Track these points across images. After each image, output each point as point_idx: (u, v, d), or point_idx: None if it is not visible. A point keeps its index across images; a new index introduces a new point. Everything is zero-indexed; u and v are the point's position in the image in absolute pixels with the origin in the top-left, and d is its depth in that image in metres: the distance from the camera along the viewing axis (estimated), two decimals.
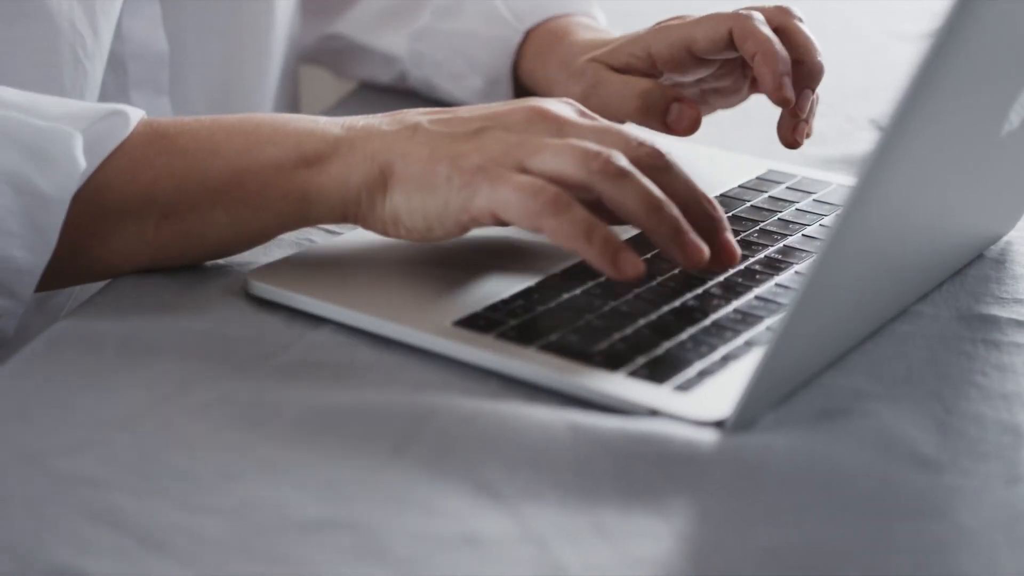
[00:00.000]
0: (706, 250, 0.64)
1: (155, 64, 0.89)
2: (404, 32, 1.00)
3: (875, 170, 0.53)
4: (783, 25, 0.81)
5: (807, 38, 0.81)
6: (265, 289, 0.67)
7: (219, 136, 0.68)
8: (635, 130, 0.67)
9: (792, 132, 0.80)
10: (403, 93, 1.03)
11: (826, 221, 0.78)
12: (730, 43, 0.80)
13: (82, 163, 0.65)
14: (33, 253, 0.65)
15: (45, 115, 0.66)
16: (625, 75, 0.83)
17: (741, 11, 0.80)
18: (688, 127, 0.81)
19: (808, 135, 0.81)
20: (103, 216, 0.67)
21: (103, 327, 0.64)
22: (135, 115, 0.68)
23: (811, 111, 0.81)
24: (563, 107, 0.68)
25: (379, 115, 0.69)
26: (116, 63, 0.87)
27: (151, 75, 0.89)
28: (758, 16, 0.80)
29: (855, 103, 1.05)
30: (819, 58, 0.80)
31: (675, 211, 0.64)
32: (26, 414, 0.57)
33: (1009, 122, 0.64)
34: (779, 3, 0.82)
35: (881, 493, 0.54)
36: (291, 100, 1.06)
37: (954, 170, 0.63)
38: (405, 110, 0.69)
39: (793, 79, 0.79)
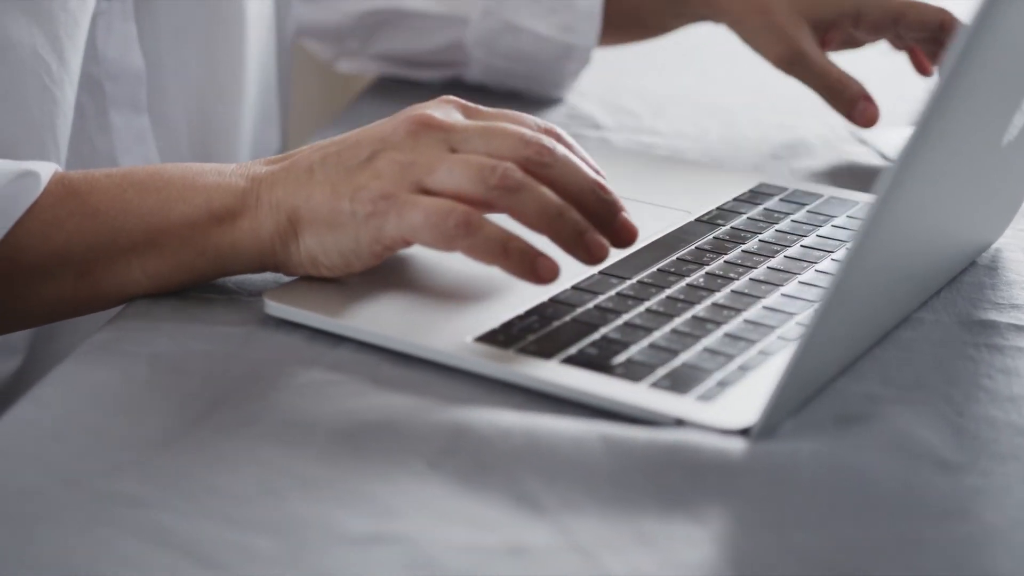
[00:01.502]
0: (607, 245, 0.66)
1: (132, 83, 0.89)
2: None
3: (895, 185, 0.55)
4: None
5: None
6: (282, 309, 0.68)
7: (130, 194, 0.68)
8: (522, 119, 0.68)
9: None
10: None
11: (823, 231, 0.80)
12: (936, 29, 0.97)
13: None
14: None
15: None
16: (825, 60, 0.98)
17: (940, 7, 0.98)
18: (868, 122, 0.98)
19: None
20: (19, 276, 0.68)
21: (129, 350, 0.64)
22: (46, 173, 0.68)
23: None
24: (446, 110, 0.69)
25: (276, 159, 0.70)
26: (93, 85, 0.87)
27: (129, 94, 0.89)
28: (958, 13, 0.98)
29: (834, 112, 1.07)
30: None
31: (573, 214, 0.65)
32: (62, 436, 0.58)
33: (1009, 132, 0.66)
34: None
35: (907, 495, 0.56)
36: (271, 108, 1.07)
37: (960, 180, 0.65)
38: (298, 151, 0.70)
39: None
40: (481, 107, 0.70)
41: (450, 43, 1.08)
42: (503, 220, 0.65)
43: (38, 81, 0.79)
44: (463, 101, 0.70)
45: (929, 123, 0.53)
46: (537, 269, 0.65)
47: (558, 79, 1.09)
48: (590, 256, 0.66)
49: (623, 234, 0.67)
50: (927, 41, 1.00)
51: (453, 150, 0.66)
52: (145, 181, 0.69)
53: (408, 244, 0.66)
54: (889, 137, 1.02)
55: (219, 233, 0.68)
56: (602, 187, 0.67)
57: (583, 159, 0.68)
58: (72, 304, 0.69)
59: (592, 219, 0.66)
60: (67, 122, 0.82)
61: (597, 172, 0.68)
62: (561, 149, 0.67)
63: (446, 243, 0.64)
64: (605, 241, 0.66)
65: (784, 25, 0.99)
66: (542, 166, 0.66)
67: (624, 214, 0.67)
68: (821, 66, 0.99)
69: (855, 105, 0.98)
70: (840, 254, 0.77)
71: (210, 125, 0.96)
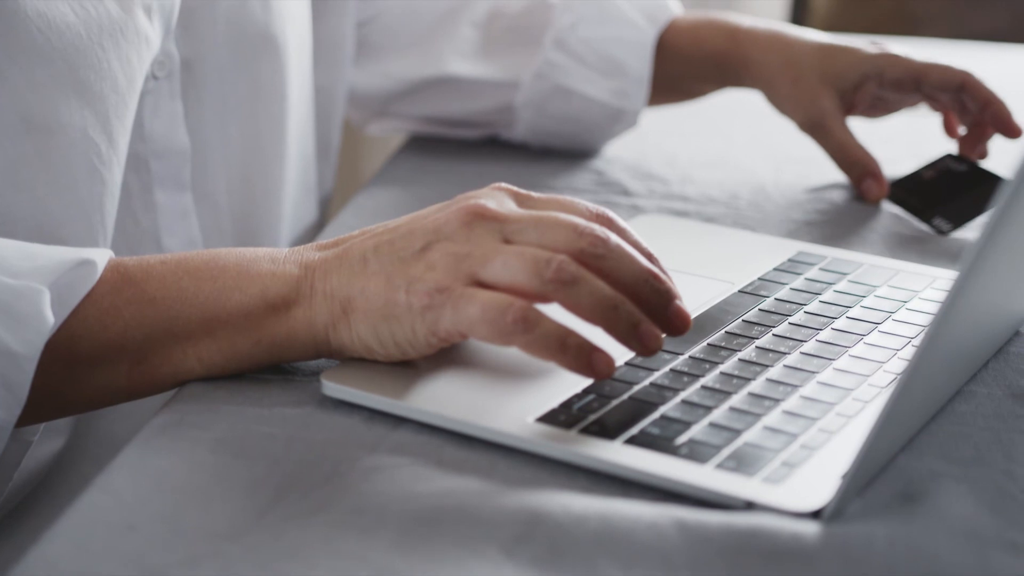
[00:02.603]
0: (661, 336, 0.66)
1: (178, 161, 0.89)
2: (532, 49, 1.09)
3: (973, 269, 0.55)
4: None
5: (1001, 99, 1.03)
6: (340, 390, 0.68)
7: (186, 282, 0.68)
8: (575, 207, 0.69)
9: (975, 150, 1.05)
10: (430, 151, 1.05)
11: (867, 303, 0.80)
12: (958, 89, 1.02)
13: (50, 319, 0.66)
14: (3, 410, 0.66)
15: (13, 271, 0.66)
16: (846, 132, 1.04)
17: (965, 69, 1.03)
18: (871, 199, 1.04)
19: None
20: (75, 365, 0.68)
21: (191, 436, 0.64)
22: (102, 261, 0.68)
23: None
24: (499, 199, 0.69)
25: (329, 244, 0.71)
26: (139, 163, 0.87)
27: (174, 172, 0.89)
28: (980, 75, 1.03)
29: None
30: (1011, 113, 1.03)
31: (628, 307, 0.65)
32: (136, 527, 0.57)
33: None
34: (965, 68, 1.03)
35: None
36: (310, 179, 1.07)
37: (1017, 257, 0.65)
38: (350, 235, 0.71)
39: (976, 122, 1.04)
40: (533, 194, 0.70)
41: (499, 106, 1.11)
42: (554, 309, 0.66)
43: (87, 162, 0.79)
44: (515, 188, 0.70)
45: (1011, 205, 0.54)
46: (594, 364, 0.65)
47: (601, 140, 1.13)
48: (644, 348, 0.66)
49: (676, 323, 0.67)
50: (952, 102, 1.03)
51: (507, 241, 0.67)
52: (200, 269, 0.69)
53: (464, 337, 0.66)
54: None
55: (274, 322, 0.68)
56: (656, 276, 0.67)
57: (636, 245, 0.68)
58: (126, 391, 0.69)
59: (645, 308, 0.66)
60: (114, 202, 0.82)
61: (651, 258, 0.69)
62: (614, 239, 0.67)
63: (503, 339, 0.65)
64: (659, 332, 0.66)
65: (811, 91, 1.03)
66: (596, 257, 0.66)
67: (677, 302, 0.67)
68: (840, 136, 1.04)
69: (863, 180, 1.04)
70: (888, 326, 0.77)
71: (252, 200, 0.97)
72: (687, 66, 1.10)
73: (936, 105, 1.05)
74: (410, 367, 0.70)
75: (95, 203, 0.80)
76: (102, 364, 0.68)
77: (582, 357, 0.65)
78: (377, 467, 0.62)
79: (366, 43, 1.12)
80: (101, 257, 0.68)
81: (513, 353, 0.71)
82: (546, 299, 0.65)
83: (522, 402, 0.67)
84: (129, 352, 0.68)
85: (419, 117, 1.14)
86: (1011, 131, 1.02)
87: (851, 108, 1.05)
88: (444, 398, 0.67)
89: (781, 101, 1.06)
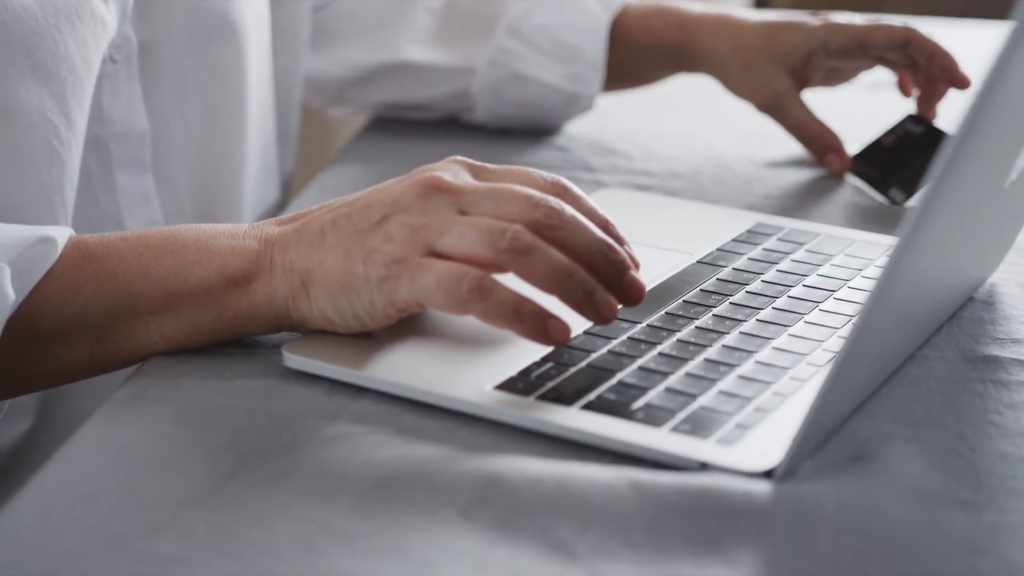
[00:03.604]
0: (615, 304, 0.67)
1: (137, 144, 0.90)
2: (478, 40, 1.09)
3: (916, 230, 0.56)
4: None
5: (948, 52, 1.03)
6: (301, 362, 0.69)
7: (146, 258, 0.69)
8: (530, 177, 0.69)
9: (930, 108, 1.06)
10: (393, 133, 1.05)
11: (823, 271, 0.81)
12: (903, 46, 1.02)
13: (11, 295, 0.66)
14: None
15: None
16: (804, 110, 1.05)
17: (911, 26, 1.03)
18: (835, 172, 1.04)
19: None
20: (37, 341, 0.68)
21: (154, 408, 0.65)
22: (62, 238, 0.69)
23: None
24: (455, 171, 0.70)
25: (287, 219, 0.71)
26: (99, 145, 0.87)
27: (134, 155, 0.90)
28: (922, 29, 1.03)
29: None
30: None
31: (582, 275, 0.66)
32: (97, 497, 0.58)
33: (1012, 174, 0.68)
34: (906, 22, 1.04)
35: (931, 535, 0.57)
36: (271, 161, 1.08)
37: (968, 221, 0.66)
38: (309, 210, 0.71)
39: (928, 79, 1.05)
40: (488, 166, 0.71)
41: (456, 92, 1.12)
42: (510, 279, 0.66)
43: (46, 144, 0.79)
44: (471, 161, 0.71)
45: (949, 170, 0.55)
46: (549, 331, 0.66)
47: (558, 123, 1.14)
48: (599, 316, 0.67)
49: (631, 293, 0.68)
50: (902, 60, 1.05)
51: (463, 212, 0.67)
52: (160, 244, 0.70)
53: (422, 307, 0.67)
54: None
55: (235, 297, 0.69)
56: (610, 247, 0.68)
57: (591, 214, 0.69)
58: (89, 367, 0.69)
59: (601, 278, 0.67)
60: (74, 184, 0.82)
61: (606, 227, 0.69)
62: (569, 210, 0.67)
63: (459, 307, 0.65)
64: (614, 300, 0.67)
65: (764, 73, 1.05)
66: (551, 228, 0.67)
67: (632, 273, 0.68)
68: (797, 115, 1.06)
69: (824, 156, 1.05)
70: (844, 293, 0.78)
71: (213, 182, 0.97)
72: (639, 54, 1.11)
73: (890, 66, 1.07)
74: (370, 338, 0.70)
75: (55, 185, 0.80)
76: (64, 340, 0.68)
77: (537, 324, 0.65)
78: (337, 436, 0.63)
79: (321, 29, 1.12)
80: (61, 235, 0.69)
81: (472, 323, 0.71)
82: (501, 268, 0.66)
83: (481, 371, 0.68)
84: (91, 328, 0.68)
85: (377, 103, 1.15)
86: (959, 82, 1.03)
87: (805, 82, 1.07)
88: (404, 368, 0.68)
89: (736, 86, 1.08)
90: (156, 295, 0.69)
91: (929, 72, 1.04)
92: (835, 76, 1.09)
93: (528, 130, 1.13)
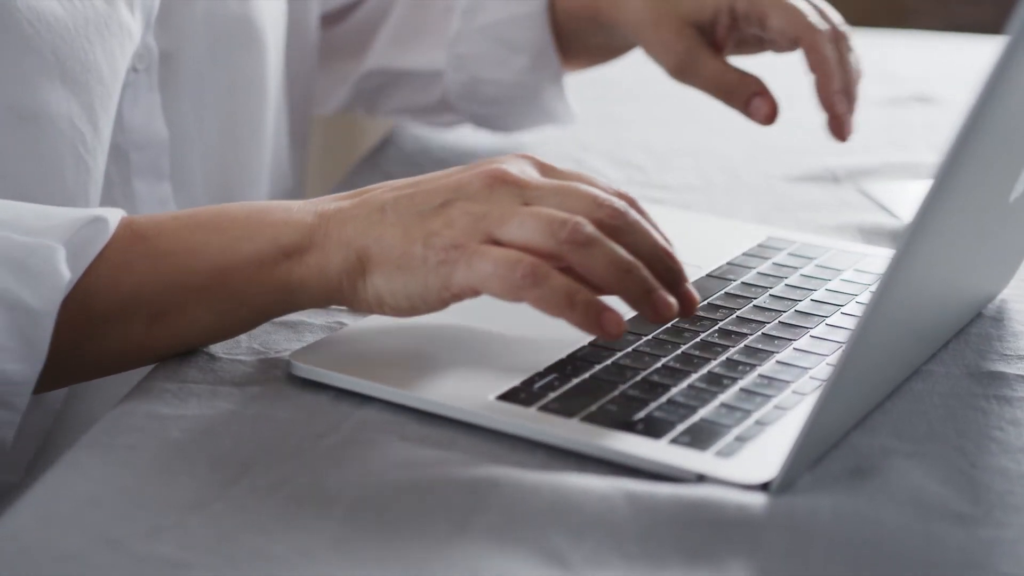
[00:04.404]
0: (675, 304, 0.67)
1: (156, 151, 0.91)
2: (440, 43, 1.06)
3: (911, 242, 0.56)
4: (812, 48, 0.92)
5: (831, 68, 0.91)
6: (308, 370, 0.70)
7: (198, 235, 0.70)
8: (597, 182, 0.70)
9: (839, 130, 0.93)
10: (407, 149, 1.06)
11: (832, 285, 0.81)
12: (794, 43, 0.92)
13: (66, 275, 0.67)
14: (25, 365, 0.67)
15: (28, 229, 0.67)
16: (715, 60, 0.95)
17: (816, 22, 0.92)
18: (764, 118, 0.95)
19: (850, 132, 0.93)
20: (91, 321, 0.69)
21: (160, 413, 0.66)
22: (114, 219, 0.69)
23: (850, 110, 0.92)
24: (522, 166, 0.70)
25: (346, 195, 0.71)
26: (118, 153, 0.89)
27: (152, 162, 0.91)
28: (828, 33, 0.92)
29: (834, 159, 1.09)
30: (837, 87, 0.91)
31: (643, 272, 0.66)
32: (100, 500, 0.59)
33: (1016, 189, 0.68)
34: (843, 26, 0.93)
35: (925, 549, 0.57)
36: (288, 175, 1.09)
37: (970, 235, 0.66)
38: (370, 187, 0.71)
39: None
40: (555, 166, 0.71)
41: (437, 99, 1.10)
42: None
43: (73, 151, 0.80)
44: (538, 158, 0.71)
45: (945, 182, 0.55)
46: (603, 322, 0.65)
47: (549, 110, 1.09)
48: (656, 314, 0.67)
49: (684, 303, 0.68)
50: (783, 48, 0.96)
51: (527, 205, 0.67)
52: (211, 221, 0.70)
53: (476, 293, 0.67)
54: (890, 189, 1.04)
55: (287, 269, 0.69)
56: (670, 255, 0.68)
57: (654, 226, 0.69)
58: (144, 348, 0.70)
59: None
60: (98, 190, 0.84)
61: (666, 240, 0.69)
62: (633, 214, 0.68)
63: (513, 293, 0.65)
64: (673, 300, 0.67)
65: (674, 31, 0.97)
66: (613, 228, 0.67)
67: (687, 284, 0.68)
68: (711, 68, 0.96)
69: (750, 102, 0.95)
70: (851, 309, 0.78)
71: (230, 189, 0.98)
72: (582, 29, 1.04)
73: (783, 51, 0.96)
74: (377, 348, 0.71)
75: (80, 191, 0.82)
76: (118, 320, 0.69)
77: (591, 314, 0.65)
78: (339, 443, 0.64)
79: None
80: (113, 215, 0.69)
81: (479, 334, 0.72)
82: (560, 259, 0.66)
83: (485, 381, 0.68)
84: (144, 307, 0.69)
85: (389, 111, 1.14)
86: (824, 102, 0.91)
87: (719, 46, 0.97)
88: (409, 377, 0.69)
89: (648, 46, 0.99)
90: (207, 271, 0.69)
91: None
92: (749, 45, 0.99)
93: (547, 136, 1.12)
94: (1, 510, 0.60)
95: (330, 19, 1.13)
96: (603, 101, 1.23)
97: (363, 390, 0.68)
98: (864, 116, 1.15)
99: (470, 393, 0.67)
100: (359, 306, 0.70)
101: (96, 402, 0.84)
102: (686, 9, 0.96)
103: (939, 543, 0.58)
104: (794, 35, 0.91)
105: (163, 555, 0.55)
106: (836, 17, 0.94)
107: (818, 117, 1.10)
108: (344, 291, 0.69)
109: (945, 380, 0.72)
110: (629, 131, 1.19)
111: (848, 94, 0.92)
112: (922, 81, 1.36)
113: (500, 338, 0.72)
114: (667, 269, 0.68)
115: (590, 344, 0.72)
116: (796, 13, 0.92)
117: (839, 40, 0.92)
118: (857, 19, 1.76)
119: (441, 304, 0.68)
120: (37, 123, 0.79)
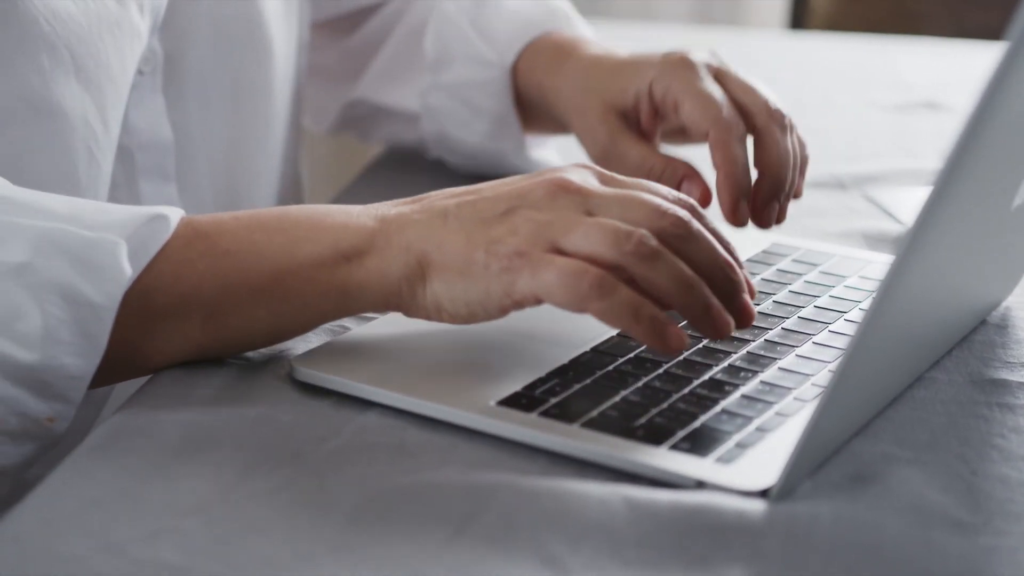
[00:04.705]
0: (732, 323, 0.67)
1: (161, 153, 0.91)
2: (415, 89, 1.05)
3: (911, 249, 0.56)
4: (764, 134, 0.85)
5: (783, 152, 0.85)
6: (311, 375, 0.70)
7: (258, 236, 0.70)
8: (658, 190, 0.69)
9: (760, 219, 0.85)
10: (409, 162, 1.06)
11: (836, 292, 0.81)
12: (704, 136, 0.85)
13: (128, 270, 0.67)
14: (84, 359, 0.67)
15: (90, 224, 0.67)
16: (639, 146, 0.90)
17: (726, 118, 0.85)
18: (698, 202, 0.81)
19: (781, 220, 0.85)
20: (150, 318, 0.69)
21: (163, 417, 0.66)
22: (175, 217, 0.70)
23: (786, 198, 0.86)
24: (584, 175, 0.70)
25: (407, 201, 0.72)
26: (124, 154, 0.89)
27: (157, 164, 0.91)
28: (738, 131, 0.84)
29: (842, 165, 1.09)
30: (787, 174, 0.85)
31: (704, 289, 0.67)
32: (100, 504, 0.59)
33: (1018, 196, 0.68)
34: (779, 105, 0.86)
35: (924, 556, 0.57)
36: (293, 182, 1.09)
37: (972, 243, 0.66)
38: (430, 194, 0.72)
39: (761, 191, 0.84)
40: (617, 175, 0.71)
41: (416, 138, 1.08)
42: None
43: (86, 148, 0.81)
44: (600, 168, 0.71)
45: (944, 188, 0.55)
46: (667, 338, 0.65)
47: (518, 167, 1.03)
48: (715, 332, 0.67)
49: (741, 316, 0.68)
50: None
51: (589, 214, 0.67)
52: (272, 223, 0.70)
53: (538, 302, 0.67)
54: (897, 196, 1.04)
55: (346, 272, 0.69)
56: (731, 266, 0.68)
57: (716, 234, 0.69)
58: (199, 345, 0.70)
59: (716, 295, 0.67)
60: (106, 189, 0.84)
61: (728, 248, 0.69)
62: (696, 224, 0.67)
63: (578, 304, 0.65)
64: (730, 319, 0.67)
65: (595, 118, 0.92)
66: (677, 238, 0.67)
67: (744, 296, 0.68)
68: (635, 154, 0.90)
69: (678, 187, 0.88)
70: (854, 315, 0.78)
71: (236, 190, 0.98)
72: (535, 102, 1.00)
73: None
74: (380, 353, 0.71)
75: (91, 189, 0.82)
76: (176, 317, 0.69)
77: (656, 329, 0.65)
78: (340, 448, 0.64)
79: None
80: (174, 213, 0.70)
81: (480, 339, 0.72)
82: (624, 272, 0.66)
83: (486, 386, 0.68)
84: (203, 305, 0.69)
85: (382, 141, 1.13)
86: (727, 213, 0.83)
87: (648, 134, 0.91)
88: (410, 383, 0.69)
89: (578, 134, 0.95)
90: (267, 271, 0.69)
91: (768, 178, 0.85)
92: (672, 135, 0.94)
93: (553, 150, 1.13)
94: (2, 512, 0.60)
95: (342, 26, 1.12)
96: None
97: (365, 395, 0.68)
98: (872, 122, 1.15)
99: (472, 398, 0.67)
100: (416, 312, 0.70)
101: (96, 406, 0.85)
102: (609, 96, 0.92)
103: (939, 551, 0.58)
104: (704, 128, 0.85)
105: (164, 559, 0.55)
106: (773, 99, 0.87)
107: (825, 123, 1.10)
108: (403, 296, 0.69)
109: (948, 387, 0.72)
110: None
111: (788, 182, 0.85)
112: (932, 87, 1.36)
113: (501, 343, 0.72)
114: (727, 280, 0.68)
115: (592, 349, 0.72)
116: (709, 105, 0.85)
117: (780, 121, 0.86)
118: (867, 25, 1.76)
119: (501, 312, 0.68)
120: (53, 118, 0.79)
